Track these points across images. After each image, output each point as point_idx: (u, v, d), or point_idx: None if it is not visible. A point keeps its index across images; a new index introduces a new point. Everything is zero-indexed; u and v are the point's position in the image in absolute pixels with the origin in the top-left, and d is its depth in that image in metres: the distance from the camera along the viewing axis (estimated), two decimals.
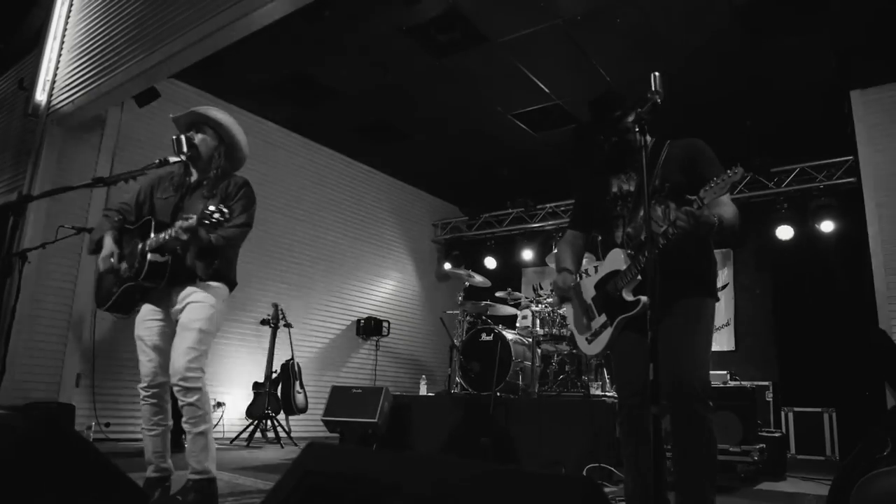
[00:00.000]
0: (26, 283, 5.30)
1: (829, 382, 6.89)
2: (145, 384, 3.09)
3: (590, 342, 2.72)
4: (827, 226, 7.15)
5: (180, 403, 2.98)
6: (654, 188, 2.56)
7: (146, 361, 3.11)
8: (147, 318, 3.16)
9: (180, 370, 2.95)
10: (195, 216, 2.84)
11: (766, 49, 5.93)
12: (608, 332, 2.61)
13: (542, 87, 6.81)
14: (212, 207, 2.80)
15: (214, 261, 3.12)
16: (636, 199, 2.61)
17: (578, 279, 2.83)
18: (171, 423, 3.17)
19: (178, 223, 2.89)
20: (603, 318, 2.64)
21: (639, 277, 2.46)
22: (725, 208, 2.44)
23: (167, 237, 2.94)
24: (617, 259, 2.60)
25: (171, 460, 3.17)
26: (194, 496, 2.96)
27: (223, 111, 3.34)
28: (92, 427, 5.86)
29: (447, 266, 9.85)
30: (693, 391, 2.40)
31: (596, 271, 2.73)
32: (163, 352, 3.10)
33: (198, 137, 3.22)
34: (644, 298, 2.41)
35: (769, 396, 6.85)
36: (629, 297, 2.50)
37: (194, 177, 3.28)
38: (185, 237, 2.89)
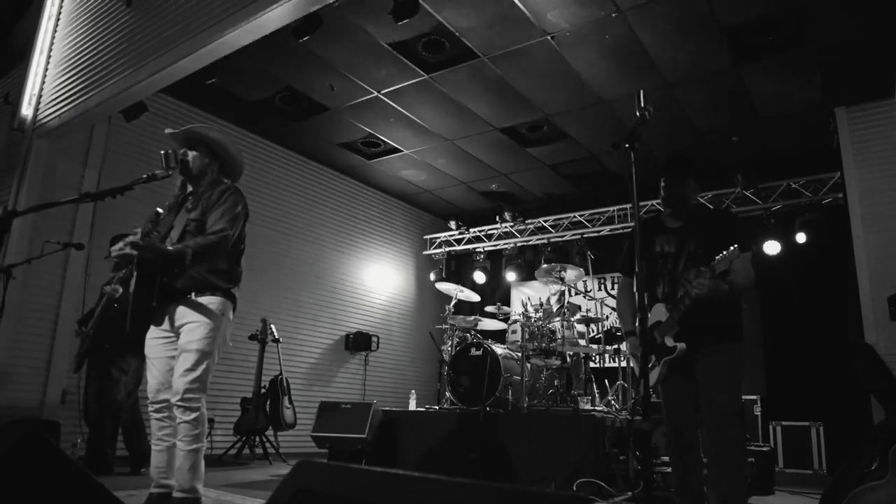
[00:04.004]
0: (11, 298, 5.24)
1: (816, 396, 6.92)
2: (150, 399, 3.14)
3: None
4: (813, 241, 7.18)
5: (178, 420, 3.00)
6: (689, 252, 3.15)
7: (150, 378, 3.16)
8: (151, 337, 3.19)
9: (179, 390, 2.99)
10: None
11: (753, 67, 5.99)
12: (657, 369, 3.24)
13: (532, 102, 6.85)
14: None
15: (181, 272, 3.06)
16: (675, 260, 3.22)
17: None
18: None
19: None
20: (653, 359, 3.27)
21: (676, 328, 3.07)
22: (737, 274, 2.99)
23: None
24: (659, 312, 3.24)
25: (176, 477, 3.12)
26: None
27: (217, 129, 3.38)
28: (78, 444, 5.77)
29: (436, 281, 9.83)
30: (728, 416, 3.02)
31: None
32: (165, 369, 3.12)
33: (191, 154, 3.26)
34: (681, 345, 3.04)
35: (757, 410, 6.86)
36: (670, 343, 3.09)
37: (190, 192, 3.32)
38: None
